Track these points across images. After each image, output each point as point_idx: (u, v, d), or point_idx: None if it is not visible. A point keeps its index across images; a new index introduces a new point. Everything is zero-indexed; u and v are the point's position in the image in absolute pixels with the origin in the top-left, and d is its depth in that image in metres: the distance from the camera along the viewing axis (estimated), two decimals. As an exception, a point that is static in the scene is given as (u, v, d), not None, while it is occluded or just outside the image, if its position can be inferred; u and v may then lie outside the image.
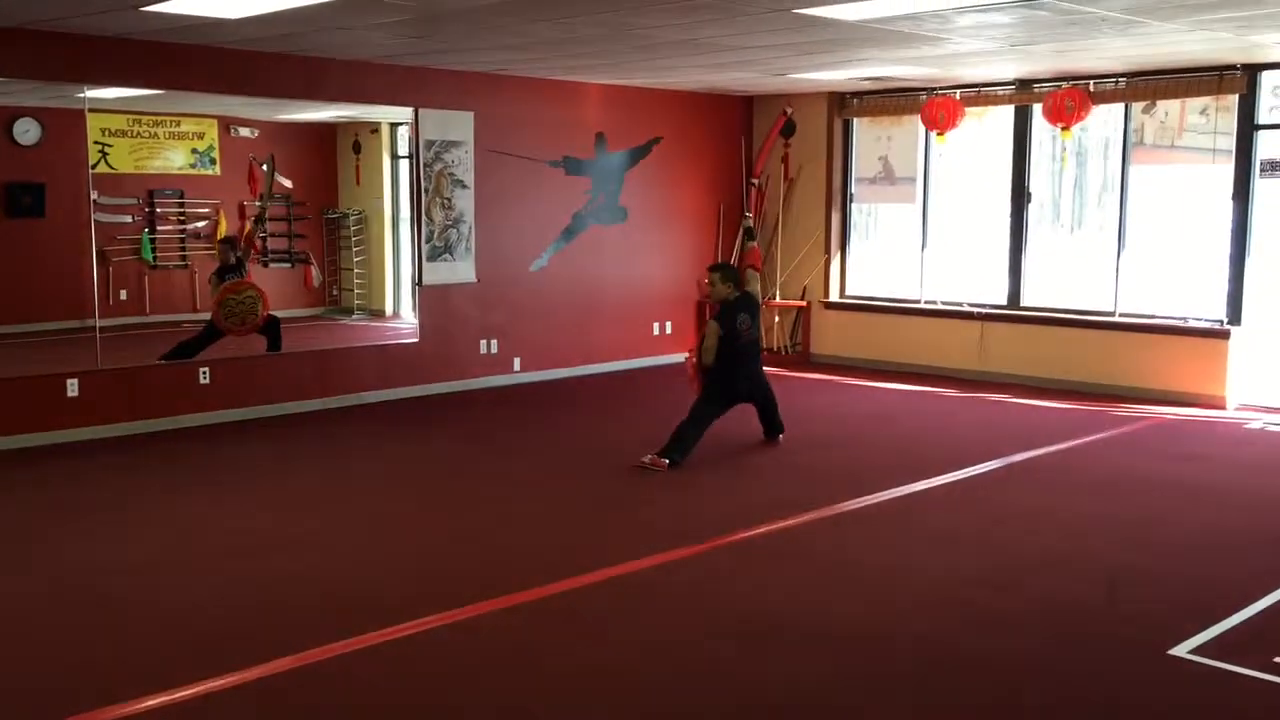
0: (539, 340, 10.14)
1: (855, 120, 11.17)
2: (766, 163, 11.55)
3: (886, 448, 7.68)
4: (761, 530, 5.69)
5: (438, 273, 9.40)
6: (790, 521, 5.83)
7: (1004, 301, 10.32)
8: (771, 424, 7.67)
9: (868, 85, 10.31)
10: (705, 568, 5.20)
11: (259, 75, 8.25)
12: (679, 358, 11.26)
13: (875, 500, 6.28)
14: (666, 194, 11.12)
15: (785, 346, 11.56)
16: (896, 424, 8.51)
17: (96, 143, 10.06)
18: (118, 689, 3.82)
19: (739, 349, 7.22)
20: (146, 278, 11.16)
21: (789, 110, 11.35)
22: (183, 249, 11.56)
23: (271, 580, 4.96)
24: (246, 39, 7.51)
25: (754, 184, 11.60)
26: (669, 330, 11.33)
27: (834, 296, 11.41)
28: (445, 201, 9.43)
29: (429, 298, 9.45)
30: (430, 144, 9.29)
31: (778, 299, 11.55)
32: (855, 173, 11.32)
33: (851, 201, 11.40)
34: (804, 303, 11.47)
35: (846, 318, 11.29)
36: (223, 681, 3.89)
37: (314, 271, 12.36)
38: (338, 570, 5.12)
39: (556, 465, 7.18)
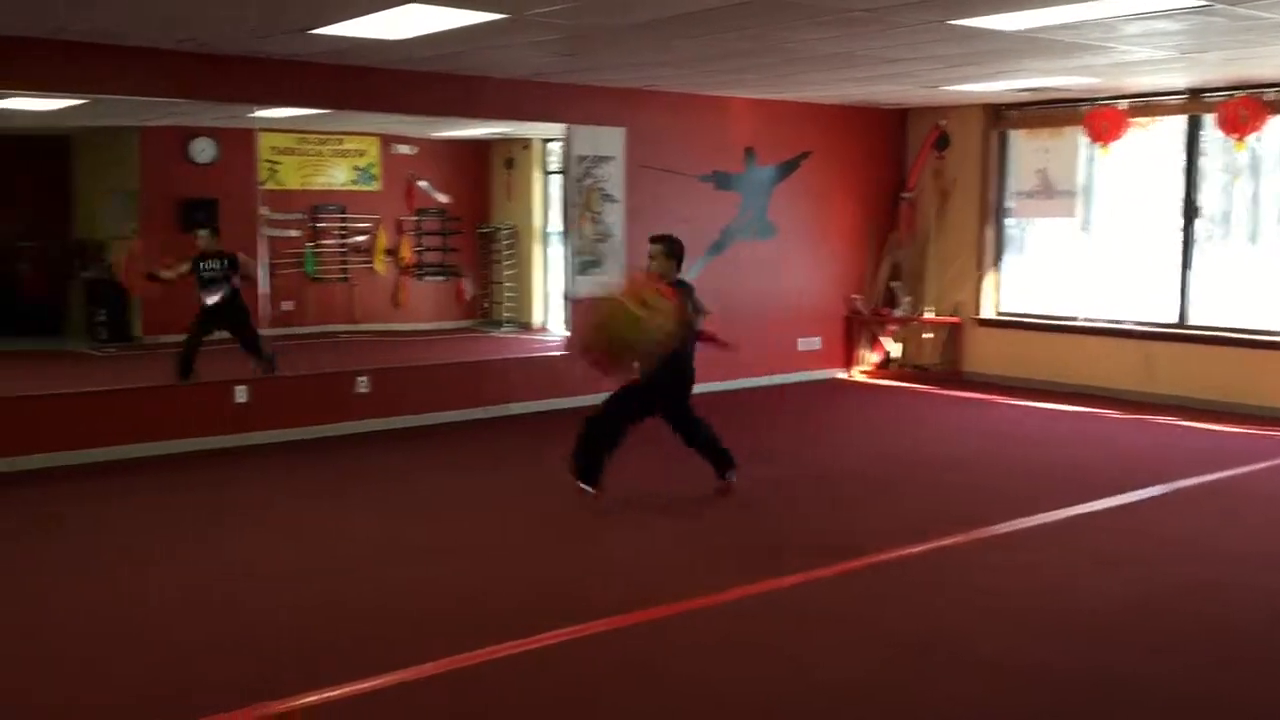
0: (685, 354, 10.15)
1: (1012, 132, 10.87)
2: (919, 177, 11.35)
3: (1042, 469, 7.43)
4: (911, 551, 5.57)
5: (587, 286, 9.51)
6: (939, 543, 5.69)
7: (1171, 320, 9.88)
8: (712, 455, 6.54)
9: (1026, 96, 10.03)
10: (854, 587, 5.11)
11: (419, 94, 8.50)
12: (828, 374, 11.15)
13: (1029, 524, 6.07)
14: (815, 208, 11.02)
15: (935, 364, 11.30)
16: (1053, 445, 8.22)
17: (266, 160, 10.54)
18: (278, 686, 3.96)
19: (686, 351, 6.24)
20: (308, 290, 11.63)
21: (943, 123, 11.12)
22: (343, 262, 12.00)
23: (422, 586, 5.08)
24: (407, 59, 7.76)
25: (906, 198, 11.40)
26: (816, 346, 11.21)
27: (987, 313, 11.11)
28: (595, 216, 9.55)
29: (579, 310, 9.57)
30: (581, 159, 9.42)
31: (930, 315, 11.31)
32: (1011, 186, 11.01)
33: (1007, 216, 11.09)
34: (956, 319, 11.21)
35: (1000, 335, 10.98)
36: (371, 684, 3.99)
37: (466, 284, 12.67)
38: (485, 576, 5.21)
39: (701, 479, 7.16)
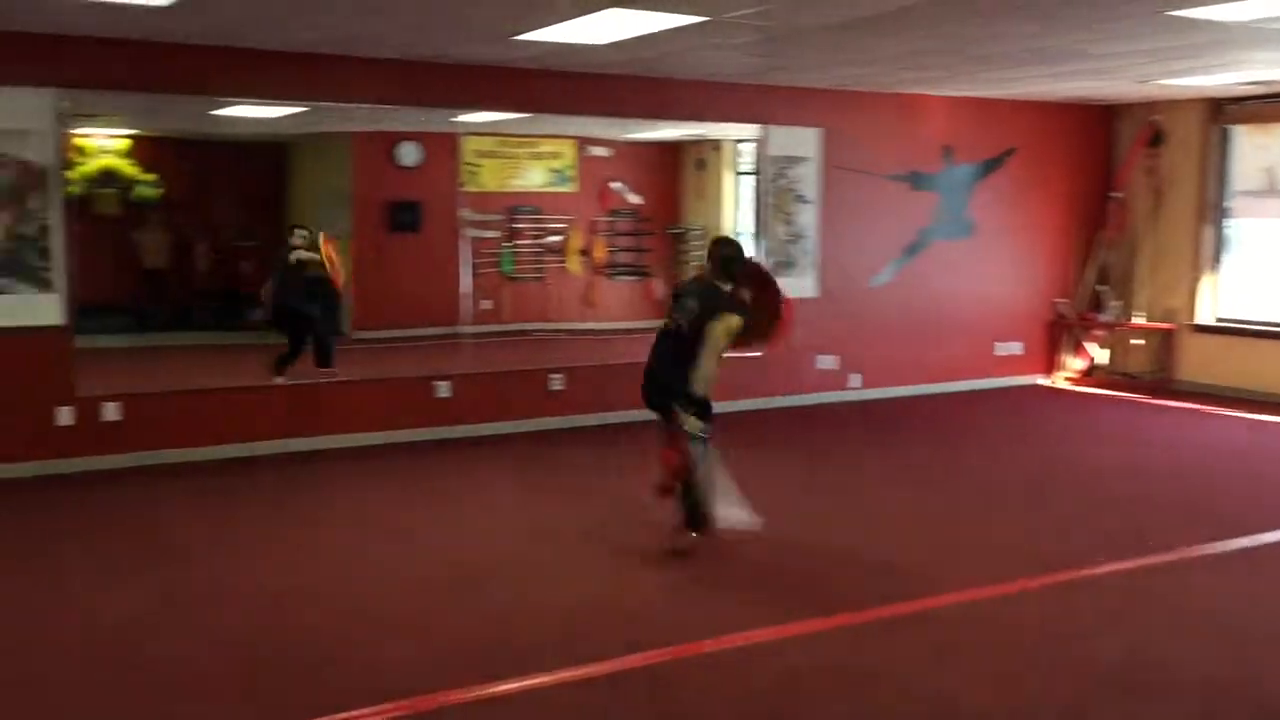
0: (879, 357, 9.98)
1: (1234, 128, 10.23)
2: (1130, 175, 10.81)
3: (1259, 485, 6.97)
4: (1110, 569, 5.32)
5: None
6: (1139, 562, 5.42)
7: None
8: None
9: (1251, 90, 9.42)
10: (1051, 603, 4.92)
11: (616, 97, 8.63)
12: (1028, 380, 10.76)
13: (1238, 545, 5.71)
14: (1016, 208, 10.64)
15: (1145, 372, 10.74)
16: (1272, 461, 7.71)
17: (467, 163, 10.90)
18: (453, 676, 4.08)
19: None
20: (505, 289, 11.98)
21: (1157, 119, 10.56)
22: (538, 262, 12.31)
23: (615, 576, 5.16)
24: (605, 63, 7.88)
25: (1115, 197, 10.88)
26: (1016, 351, 10.83)
27: (1204, 319, 10.48)
28: (787, 217, 9.48)
29: (769, 312, 9.52)
30: (775, 160, 9.37)
31: (1140, 320, 10.76)
32: (1233, 185, 10.37)
33: (1228, 216, 10.45)
34: (1169, 325, 10.62)
35: (1218, 342, 10.35)
36: (577, 672, 4.08)
37: (657, 284, 12.79)
38: (693, 576, 5.25)
39: (898, 481, 7.03)
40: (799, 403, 9.62)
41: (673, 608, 4.84)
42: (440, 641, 4.43)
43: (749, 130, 9.51)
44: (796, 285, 9.47)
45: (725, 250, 5.41)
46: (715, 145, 12.20)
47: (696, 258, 12.52)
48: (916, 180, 10.14)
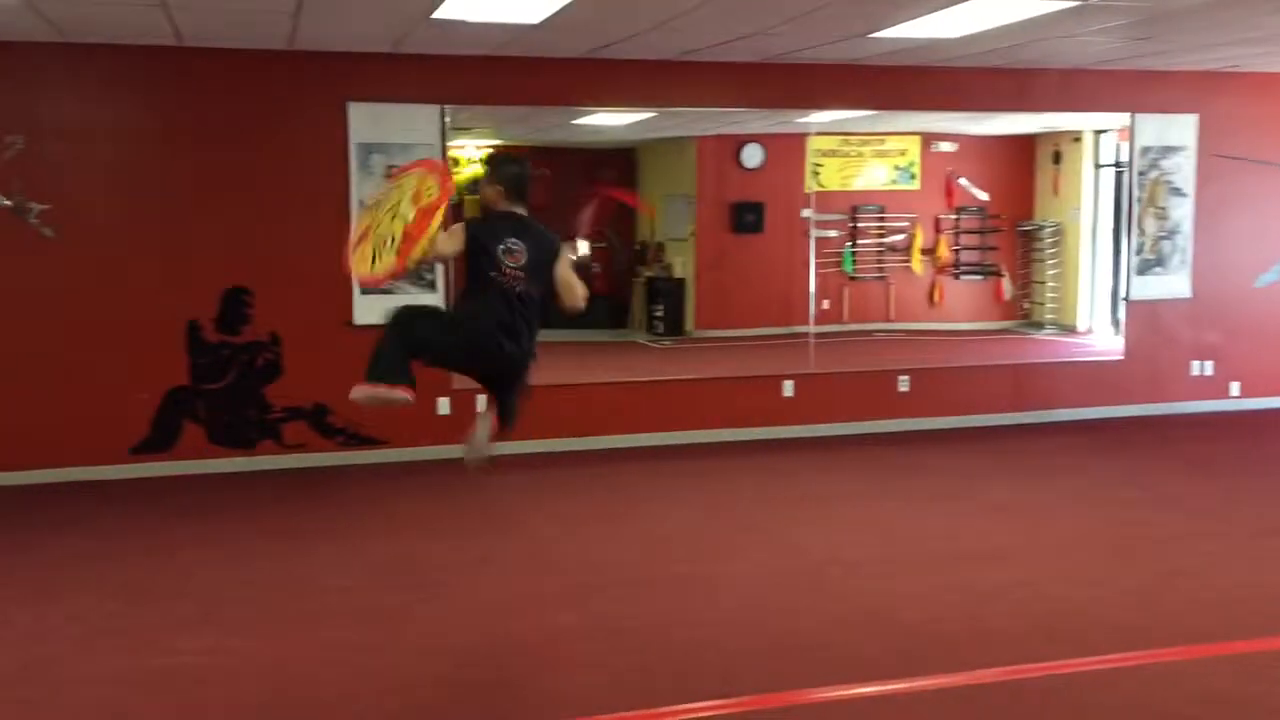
0: (1264, 364, 9.09)
1: None
2: None
3: None
4: None
5: (1146, 287, 8.81)
6: None
7: None
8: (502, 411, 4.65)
9: None
10: None
11: (969, 90, 8.33)
12: None
13: None
14: None
15: None
16: None
17: (811, 163, 10.90)
18: (819, 673, 4.07)
19: (493, 283, 4.22)
20: (846, 289, 11.88)
21: None
22: (880, 261, 12.12)
23: (974, 589, 4.97)
24: (957, 56, 7.63)
25: None
26: None
27: None
28: (1159, 211, 8.81)
29: (1136, 313, 8.90)
30: (1146, 150, 8.74)
31: None
32: None
33: None
34: None
35: None
36: (921, 683, 3.97)
37: (1005, 284, 12.28)
38: (1042, 587, 5.00)
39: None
40: (1167, 411, 8.92)
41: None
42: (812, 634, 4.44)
43: (1113, 120, 8.93)
44: (1167, 285, 8.82)
45: (511, 168, 4.38)
46: (1074, 136, 11.55)
47: (1050, 256, 11.92)
48: (1315, 169, 9.14)
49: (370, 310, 7.25)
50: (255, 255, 7.21)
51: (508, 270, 4.19)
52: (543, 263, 4.27)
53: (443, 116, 7.44)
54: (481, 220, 4.40)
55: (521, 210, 4.34)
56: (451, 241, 4.19)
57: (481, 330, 4.22)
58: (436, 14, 5.94)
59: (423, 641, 4.42)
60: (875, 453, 7.84)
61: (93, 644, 4.40)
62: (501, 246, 4.19)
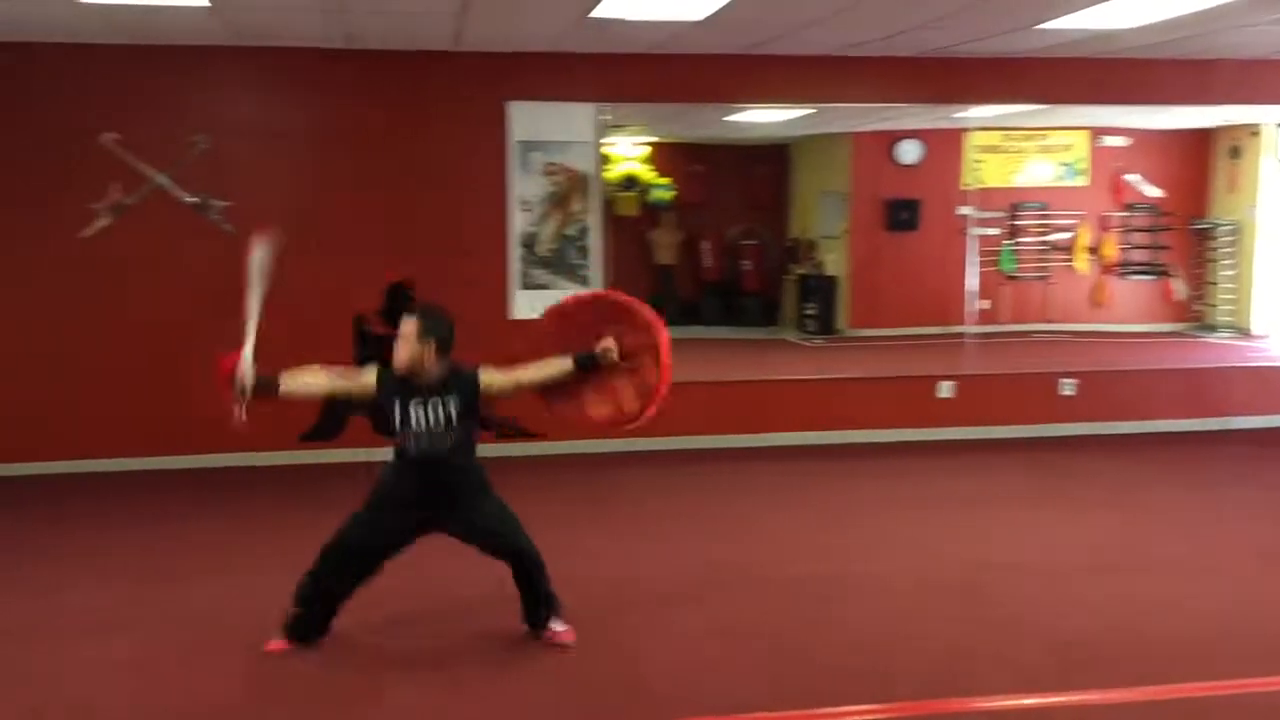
0: None
1: None
2: None
3: None
4: None
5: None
6: None
7: None
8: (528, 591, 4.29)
9: None
10: None
11: (1142, 82, 7.99)
12: None
13: None
14: None
15: None
16: None
17: (971, 160, 10.65)
18: (975, 682, 3.97)
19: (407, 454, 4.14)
20: (1004, 288, 11.55)
21: None
22: (1042, 260, 11.74)
23: (1139, 600, 4.78)
24: (1130, 47, 7.33)
25: None
26: None
27: None
28: (1349, 209, 8.31)
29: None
30: (1335, 145, 8.25)
31: None
32: None
33: None
34: None
35: None
36: (1084, 697, 3.84)
37: (1176, 284, 11.76)
38: (1210, 601, 4.77)
39: None
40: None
41: None
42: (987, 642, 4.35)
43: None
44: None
45: (439, 329, 4.05)
46: (1252, 130, 10.98)
47: (1226, 255, 11.35)
48: None
49: (529, 305, 7.43)
50: (419, 249, 7.42)
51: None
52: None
53: (600, 115, 7.53)
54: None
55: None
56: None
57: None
58: (594, 13, 6.01)
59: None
60: (1035, 457, 7.60)
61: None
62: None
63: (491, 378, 4.16)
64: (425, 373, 4.06)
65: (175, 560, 5.45)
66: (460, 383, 4.10)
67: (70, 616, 4.65)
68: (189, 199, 7.10)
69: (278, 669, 4.12)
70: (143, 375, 7.11)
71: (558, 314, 4.50)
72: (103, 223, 7.02)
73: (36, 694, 3.93)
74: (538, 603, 4.27)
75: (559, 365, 4.28)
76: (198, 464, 7.22)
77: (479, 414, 4.24)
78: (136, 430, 7.17)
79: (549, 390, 4.34)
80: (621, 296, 4.46)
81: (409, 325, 4.04)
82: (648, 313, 4.37)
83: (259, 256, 4.21)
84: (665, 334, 4.33)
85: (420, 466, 4.11)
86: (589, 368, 4.30)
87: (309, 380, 4.13)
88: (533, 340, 4.46)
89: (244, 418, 3.97)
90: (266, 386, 4.02)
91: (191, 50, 6.99)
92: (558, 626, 4.31)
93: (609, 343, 4.29)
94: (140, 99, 7.05)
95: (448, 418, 4.07)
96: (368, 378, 4.15)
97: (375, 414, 4.22)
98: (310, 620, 4.23)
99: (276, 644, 4.21)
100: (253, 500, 6.60)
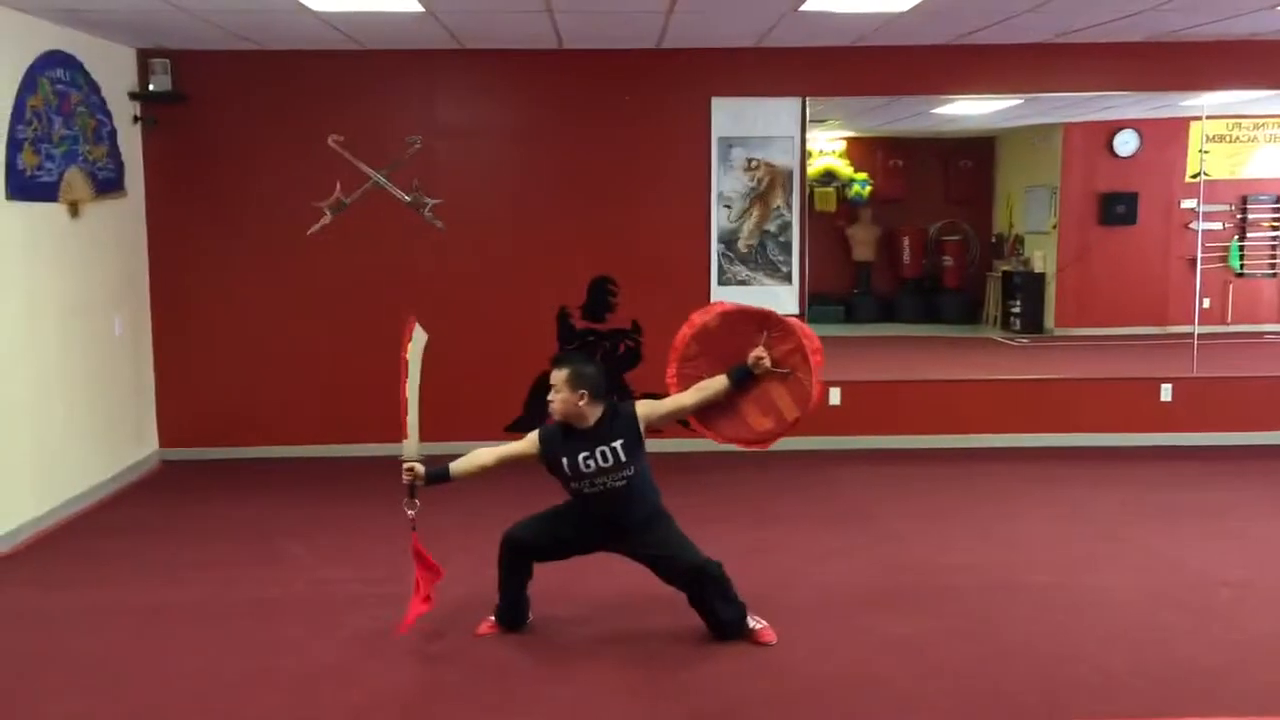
0: None
1: None
2: None
3: None
4: None
5: None
6: None
7: None
8: (708, 613, 4.29)
9: None
10: None
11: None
12: None
13: None
14: None
15: None
16: None
17: (1199, 150, 10.03)
18: (1208, 703, 3.75)
19: (583, 493, 4.23)
20: (1230, 285, 10.85)
21: None
22: (1273, 257, 10.98)
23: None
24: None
25: None
26: None
27: None
28: None
29: None
30: None
31: None
32: None
33: None
34: None
35: None
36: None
37: None
38: None
39: None
40: None
41: None
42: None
43: None
44: None
45: (587, 378, 4.16)
46: None
47: None
48: None
49: (728, 299, 7.40)
50: (621, 245, 7.52)
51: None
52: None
53: (803, 109, 7.45)
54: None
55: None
56: None
57: None
58: (805, 6, 5.93)
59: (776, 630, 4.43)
60: (1268, 466, 7.12)
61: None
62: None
63: (650, 408, 4.25)
64: (584, 420, 4.16)
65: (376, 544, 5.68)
66: (621, 421, 4.19)
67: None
68: (404, 197, 7.40)
69: (480, 649, 4.25)
70: (358, 366, 7.44)
71: (699, 334, 4.42)
72: (326, 220, 7.39)
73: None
74: (720, 620, 4.28)
75: (715, 384, 4.32)
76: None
77: (643, 446, 4.26)
78: (357, 420, 7.51)
79: (709, 415, 4.38)
80: (752, 307, 4.46)
81: (558, 376, 4.15)
82: (786, 318, 4.38)
83: (416, 346, 4.33)
84: (810, 333, 4.33)
85: (598, 499, 4.21)
86: (745, 380, 4.31)
87: (478, 461, 4.30)
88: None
89: (415, 511, 4.21)
90: (437, 479, 4.23)
91: (408, 54, 7.27)
92: (756, 624, 4.31)
93: (760, 351, 4.29)
94: (361, 102, 7.38)
95: (616, 460, 4.15)
96: (530, 442, 4.28)
97: (551, 473, 4.31)
98: (504, 607, 4.41)
99: (486, 627, 4.42)
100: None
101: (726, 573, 4.26)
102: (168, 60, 7.13)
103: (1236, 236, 10.94)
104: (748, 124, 7.45)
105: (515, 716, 3.77)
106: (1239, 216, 10.94)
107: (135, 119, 7.16)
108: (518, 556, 4.34)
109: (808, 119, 7.52)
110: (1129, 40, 7.20)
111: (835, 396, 7.69)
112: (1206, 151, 10.53)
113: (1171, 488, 6.67)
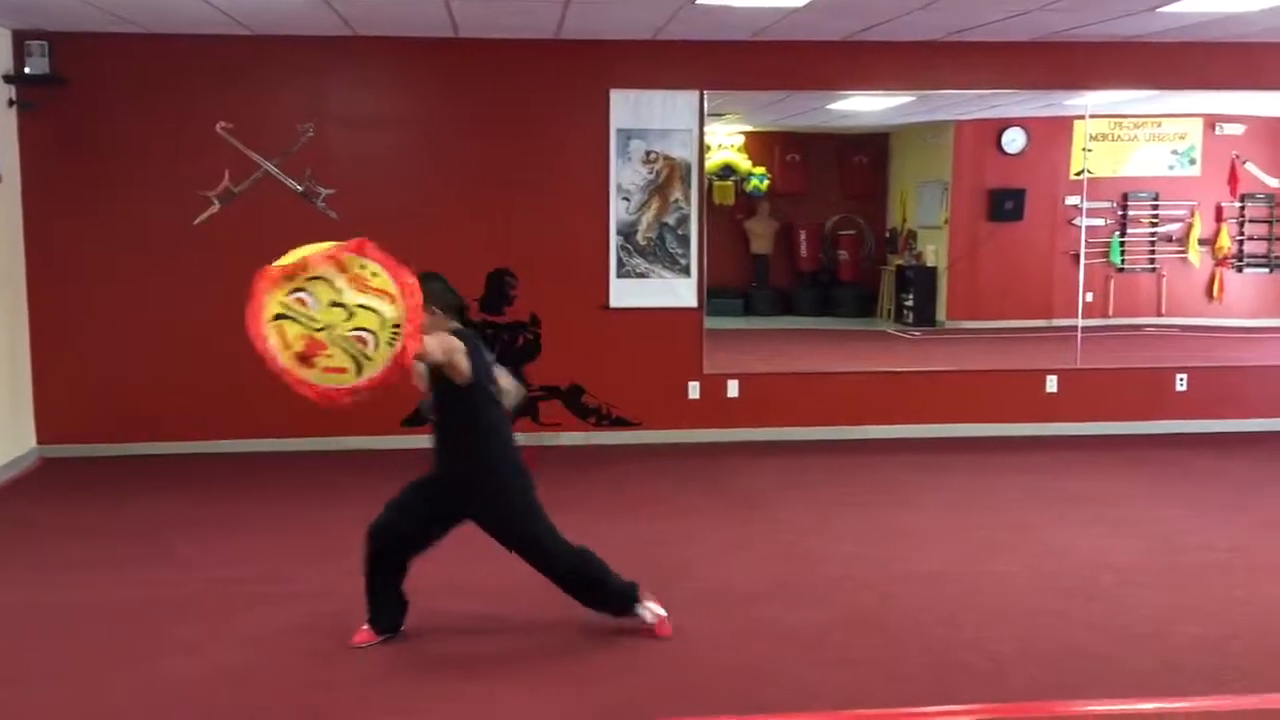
0: None
1: None
2: None
3: None
4: None
5: None
6: None
7: None
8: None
9: None
10: None
11: (1266, 66, 7.71)
12: None
13: None
14: None
15: None
16: None
17: (1083, 148, 10.34)
18: (1090, 684, 3.85)
19: (496, 416, 4.24)
20: (1112, 281, 11.22)
21: None
22: (1151, 252, 11.38)
23: (1263, 605, 4.60)
24: (1256, 30, 7.05)
25: None
26: None
27: None
28: None
29: None
30: None
31: None
32: None
33: None
34: None
35: None
36: (1208, 704, 3.68)
37: (1296, 279, 11.31)
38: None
39: None
40: None
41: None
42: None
43: None
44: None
45: (428, 286, 4.15)
46: (1382, 116, 10.50)
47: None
48: None
49: (628, 294, 7.43)
50: (518, 238, 7.46)
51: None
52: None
53: (702, 102, 7.48)
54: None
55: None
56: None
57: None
58: (701, 0, 5.95)
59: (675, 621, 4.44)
60: (1148, 454, 7.38)
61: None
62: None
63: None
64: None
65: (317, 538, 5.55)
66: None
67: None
68: (295, 186, 7.23)
69: (363, 657, 4.17)
70: (247, 359, 7.24)
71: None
72: (214, 210, 7.19)
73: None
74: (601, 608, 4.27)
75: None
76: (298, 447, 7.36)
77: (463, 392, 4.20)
78: (242, 413, 7.32)
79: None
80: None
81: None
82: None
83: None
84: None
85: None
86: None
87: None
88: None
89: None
90: None
91: (300, 40, 7.10)
92: (649, 617, 4.26)
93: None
94: (250, 89, 7.19)
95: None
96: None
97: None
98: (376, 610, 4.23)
99: (362, 636, 4.21)
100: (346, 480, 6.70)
101: (589, 563, 4.18)
102: (45, 42, 6.86)
103: (1118, 232, 11.31)
104: (646, 116, 7.46)
105: (418, 717, 3.72)
106: (1120, 213, 11.31)
107: (10, 102, 6.88)
108: (383, 547, 4.18)
109: (706, 112, 7.55)
110: (1017, 40, 7.39)
111: (733, 389, 7.75)
112: (1090, 150, 10.86)
113: (1057, 475, 6.86)
